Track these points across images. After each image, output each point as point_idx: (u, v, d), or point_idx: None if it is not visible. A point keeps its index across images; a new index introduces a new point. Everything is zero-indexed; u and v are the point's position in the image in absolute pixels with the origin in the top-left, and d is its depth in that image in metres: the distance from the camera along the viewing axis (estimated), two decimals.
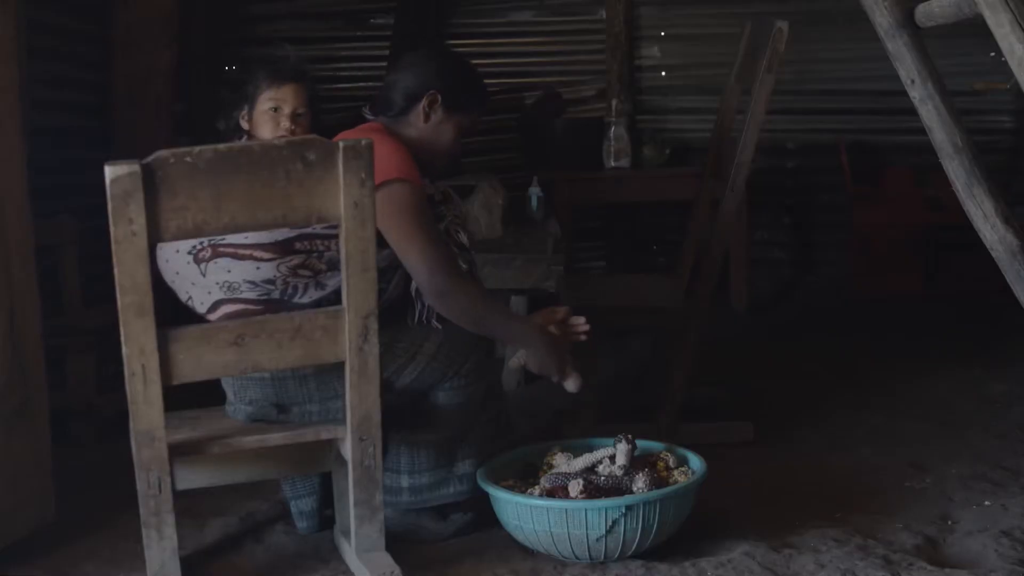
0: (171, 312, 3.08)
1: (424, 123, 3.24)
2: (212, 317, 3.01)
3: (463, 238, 3.24)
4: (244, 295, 2.98)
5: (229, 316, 2.97)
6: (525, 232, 5.14)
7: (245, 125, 3.38)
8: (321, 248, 3.00)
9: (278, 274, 2.98)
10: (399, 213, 3.03)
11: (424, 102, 3.22)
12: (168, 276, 3.06)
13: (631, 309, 4.14)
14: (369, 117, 3.31)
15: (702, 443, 3.51)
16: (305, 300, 3.00)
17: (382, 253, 3.04)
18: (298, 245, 2.99)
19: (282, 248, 2.98)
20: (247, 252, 2.97)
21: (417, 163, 3.18)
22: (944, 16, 2.75)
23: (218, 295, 2.99)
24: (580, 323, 3.23)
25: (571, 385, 3.22)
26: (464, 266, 3.17)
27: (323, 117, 3.51)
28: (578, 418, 3.96)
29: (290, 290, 2.99)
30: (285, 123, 3.30)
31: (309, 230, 2.99)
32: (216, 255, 2.97)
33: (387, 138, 3.14)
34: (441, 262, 3.04)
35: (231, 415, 3.11)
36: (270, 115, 3.33)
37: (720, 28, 6.41)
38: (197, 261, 2.98)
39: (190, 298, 3.04)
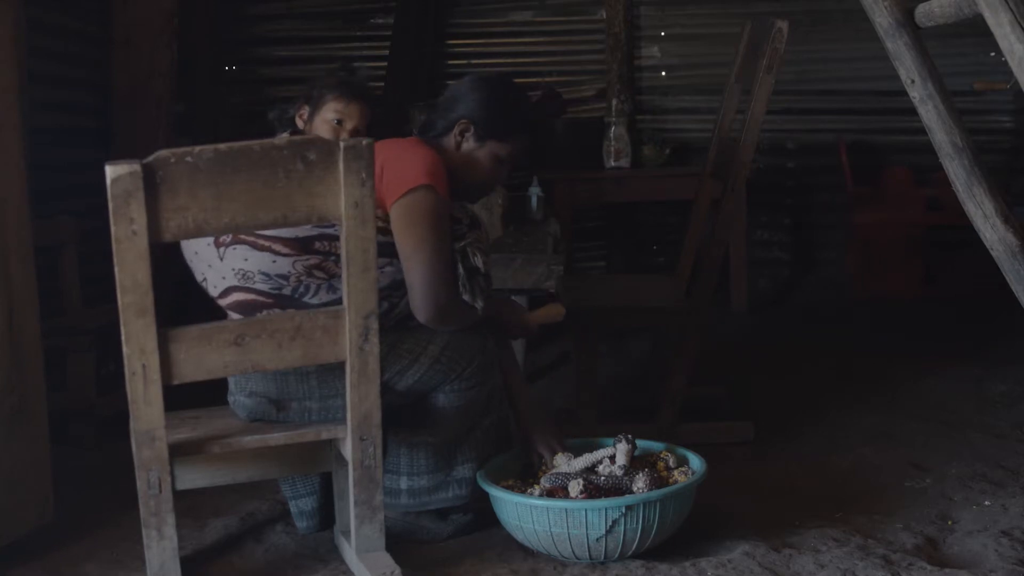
0: (171, 312, 3.09)
1: (457, 150, 3.25)
2: (223, 302, 3.05)
3: (479, 262, 3.21)
4: (257, 286, 3.00)
5: (240, 303, 3.02)
6: (525, 232, 5.14)
7: (300, 124, 3.42)
8: (339, 252, 3.01)
9: (293, 271, 3.00)
10: (417, 221, 3.03)
11: (456, 130, 3.24)
12: (187, 255, 3.11)
13: (631, 309, 4.14)
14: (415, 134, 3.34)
15: (702, 443, 3.52)
16: (315, 301, 3.00)
17: (396, 266, 3.05)
18: (317, 245, 3.01)
19: (301, 245, 3.00)
20: (266, 243, 2.99)
21: (451, 183, 3.19)
22: (944, 16, 2.76)
23: (232, 281, 3.02)
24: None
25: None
26: (467, 295, 3.17)
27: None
28: (578, 418, 3.96)
29: (302, 288, 3.01)
30: (345, 137, 3.32)
31: (331, 231, 3.00)
32: (236, 241, 3.01)
33: (423, 146, 3.16)
34: (444, 283, 3.05)
35: (231, 405, 3.12)
36: (332, 125, 3.39)
37: (720, 28, 6.42)
38: (216, 245, 3.02)
39: (204, 279, 3.08)
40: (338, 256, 3.00)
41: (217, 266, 3.03)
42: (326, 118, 3.41)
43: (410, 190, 3.02)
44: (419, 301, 3.05)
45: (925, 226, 6.23)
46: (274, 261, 2.99)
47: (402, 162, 3.05)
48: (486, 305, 3.19)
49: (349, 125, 3.42)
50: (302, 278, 3.00)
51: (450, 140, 3.25)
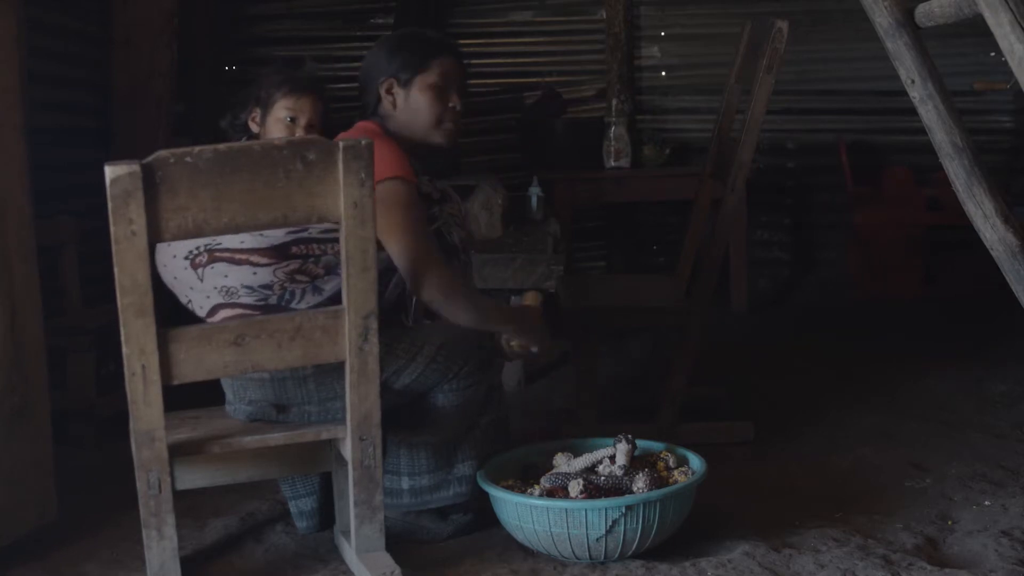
0: (171, 312, 3.08)
1: (395, 110, 3.28)
2: (212, 321, 3.01)
3: (455, 239, 3.24)
4: (242, 300, 2.98)
5: (228, 320, 2.97)
6: (525, 232, 5.14)
7: (254, 128, 3.38)
8: (318, 253, 3.00)
9: (275, 279, 2.98)
10: (389, 208, 3.06)
11: (382, 92, 3.27)
12: (167, 279, 3.06)
13: (631, 309, 4.14)
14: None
15: (702, 443, 3.52)
16: (302, 305, 2.99)
17: (379, 255, 3.04)
18: (294, 250, 2.99)
19: (278, 253, 2.98)
20: (243, 257, 2.96)
21: (420, 151, 3.23)
22: (944, 16, 2.76)
23: (217, 299, 3.00)
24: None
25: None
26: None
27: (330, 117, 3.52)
28: (578, 418, 3.96)
29: (287, 295, 2.99)
30: (300, 134, 3.29)
31: (305, 234, 2.99)
32: (213, 260, 2.96)
33: (382, 139, 3.17)
34: (420, 250, 3.06)
35: (231, 414, 3.11)
36: (285, 124, 3.33)
37: (720, 28, 6.42)
38: (194, 267, 2.98)
39: (190, 301, 3.05)
40: (317, 258, 3.00)
41: (199, 287, 3.00)
42: (278, 117, 3.33)
43: (379, 182, 3.02)
44: (415, 282, 3.07)
45: (925, 226, 6.23)
46: (254, 273, 2.97)
47: None
48: (491, 309, 3.20)
49: (303, 121, 3.33)
50: (286, 285, 2.99)
51: (386, 105, 3.28)
